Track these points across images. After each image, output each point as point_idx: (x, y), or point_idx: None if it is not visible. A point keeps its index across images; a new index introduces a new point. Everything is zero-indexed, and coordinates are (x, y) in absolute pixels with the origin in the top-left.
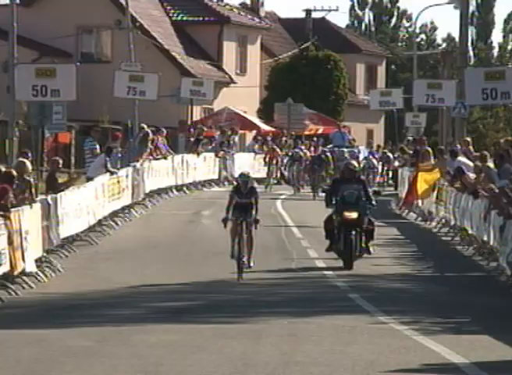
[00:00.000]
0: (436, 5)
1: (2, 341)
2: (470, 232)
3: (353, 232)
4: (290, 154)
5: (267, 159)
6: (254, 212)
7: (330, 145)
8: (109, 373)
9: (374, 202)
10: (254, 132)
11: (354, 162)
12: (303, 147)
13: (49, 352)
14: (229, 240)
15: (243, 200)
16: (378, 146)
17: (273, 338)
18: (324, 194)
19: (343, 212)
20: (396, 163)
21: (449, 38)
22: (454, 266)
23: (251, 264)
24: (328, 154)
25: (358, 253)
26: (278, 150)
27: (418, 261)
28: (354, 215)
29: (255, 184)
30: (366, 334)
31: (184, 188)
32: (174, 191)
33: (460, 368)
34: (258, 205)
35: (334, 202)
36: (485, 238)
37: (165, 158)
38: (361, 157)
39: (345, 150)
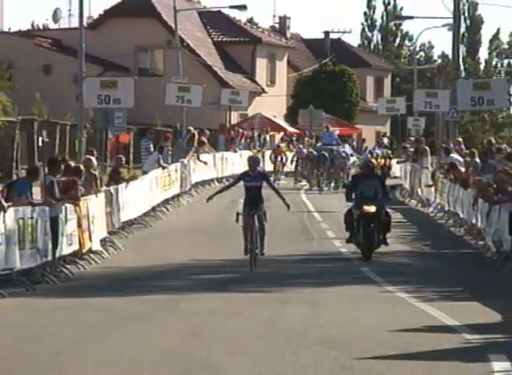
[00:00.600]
0: (433, 27)
1: (72, 308)
2: (461, 216)
3: (372, 225)
4: (295, 152)
5: (273, 157)
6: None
7: (319, 144)
8: (161, 335)
9: (390, 197)
10: (282, 133)
11: (373, 160)
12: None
13: (111, 317)
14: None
15: (251, 183)
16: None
17: (296, 305)
18: (344, 190)
19: (362, 206)
20: (402, 159)
21: (443, 55)
22: (448, 245)
23: (264, 253)
24: (325, 153)
25: (376, 244)
26: (283, 148)
27: (419, 240)
28: (373, 209)
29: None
30: (375, 301)
31: (224, 180)
32: (216, 182)
33: (453, 329)
34: (276, 187)
35: (353, 197)
36: (474, 221)
37: (206, 163)
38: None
39: (334, 148)
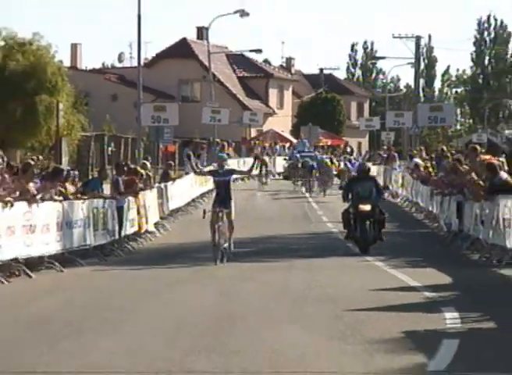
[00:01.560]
0: (400, 64)
1: (133, 276)
2: (421, 205)
3: (368, 222)
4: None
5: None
6: (232, 203)
7: (294, 151)
8: (198, 293)
9: (383, 196)
10: (288, 144)
11: (368, 164)
12: (298, 154)
13: (161, 282)
14: (271, 209)
15: (220, 178)
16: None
17: (298, 271)
18: (342, 191)
19: (358, 205)
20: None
21: (407, 86)
22: (411, 226)
23: (232, 248)
24: (313, 163)
25: (373, 240)
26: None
27: (390, 223)
28: (368, 207)
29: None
30: (358, 268)
31: (245, 179)
32: (239, 181)
33: (416, 288)
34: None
35: (350, 197)
36: (430, 208)
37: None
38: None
39: (306, 154)
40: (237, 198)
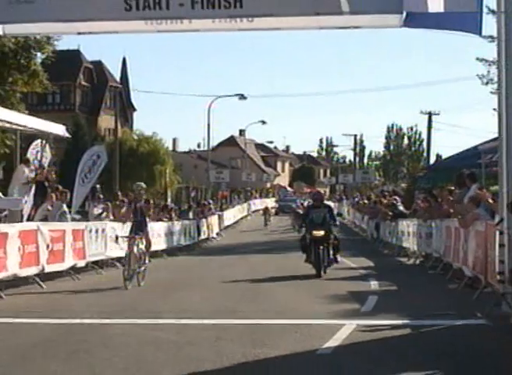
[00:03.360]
0: (345, 149)
1: (204, 260)
2: (357, 223)
3: (321, 247)
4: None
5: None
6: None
7: (280, 198)
8: (239, 270)
9: (337, 222)
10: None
11: (321, 191)
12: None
13: (219, 263)
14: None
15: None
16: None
17: (291, 258)
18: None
19: (312, 231)
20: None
21: (350, 161)
22: (353, 235)
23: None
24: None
25: (327, 263)
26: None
27: (341, 233)
28: (321, 233)
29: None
30: None
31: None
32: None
33: (355, 268)
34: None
35: (305, 224)
36: (363, 226)
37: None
38: (298, 203)
39: (289, 198)
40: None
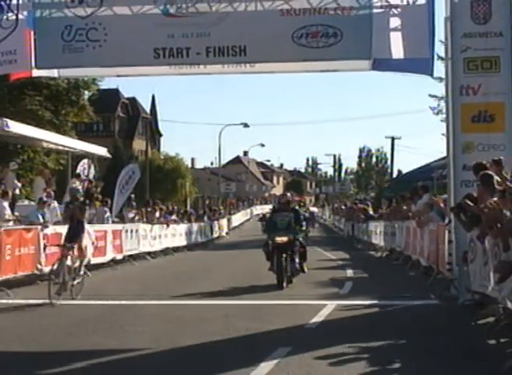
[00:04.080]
0: (326, 166)
1: (216, 254)
2: (337, 224)
3: (284, 255)
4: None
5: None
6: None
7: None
8: (242, 262)
9: (303, 227)
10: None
11: (288, 194)
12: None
13: (227, 256)
14: None
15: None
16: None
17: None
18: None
19: (274, 237)
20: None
21: (330, 175)
22: (332, 233)
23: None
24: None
25: (291, 273)
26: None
27: (322, 232)
28: (285, 239)
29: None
30: (310, 251)
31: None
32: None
33: (334, 259)
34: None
35: (267, 230)
36: (341, 226)
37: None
38: None
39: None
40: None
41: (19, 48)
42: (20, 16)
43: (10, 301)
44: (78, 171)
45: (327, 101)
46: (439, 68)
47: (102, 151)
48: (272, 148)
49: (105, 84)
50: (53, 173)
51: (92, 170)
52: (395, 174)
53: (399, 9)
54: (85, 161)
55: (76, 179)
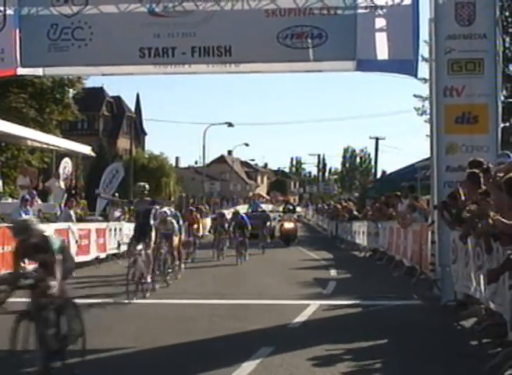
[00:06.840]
0: (310, 166)
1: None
2: (320, 224)
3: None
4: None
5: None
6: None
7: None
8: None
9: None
10: (264, 199)
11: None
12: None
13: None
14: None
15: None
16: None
17: (273, 253)
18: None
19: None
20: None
21: (315, 175)
22: (316, 233)
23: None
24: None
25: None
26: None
27: (307, 232)
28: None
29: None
30: (294, 251)
31: None
32: None
33: (317, 259)
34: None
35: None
36: (325, 226)
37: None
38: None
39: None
40: None
41: (6, 47)
42: (8, 13)
43: None
44: (60, 170)
45: (311, 101)
46: (424, 69)
47: (86, 149)
48: (257, 147)
49: (90, 83)
50: (40, 172)
51: (70, 169)
52: (379, 174)
53: (384, 10)
54: (66, 159)
55: (55, 179)
